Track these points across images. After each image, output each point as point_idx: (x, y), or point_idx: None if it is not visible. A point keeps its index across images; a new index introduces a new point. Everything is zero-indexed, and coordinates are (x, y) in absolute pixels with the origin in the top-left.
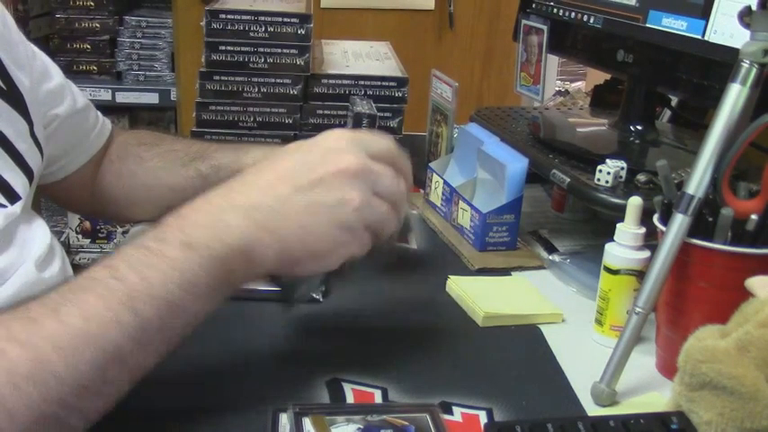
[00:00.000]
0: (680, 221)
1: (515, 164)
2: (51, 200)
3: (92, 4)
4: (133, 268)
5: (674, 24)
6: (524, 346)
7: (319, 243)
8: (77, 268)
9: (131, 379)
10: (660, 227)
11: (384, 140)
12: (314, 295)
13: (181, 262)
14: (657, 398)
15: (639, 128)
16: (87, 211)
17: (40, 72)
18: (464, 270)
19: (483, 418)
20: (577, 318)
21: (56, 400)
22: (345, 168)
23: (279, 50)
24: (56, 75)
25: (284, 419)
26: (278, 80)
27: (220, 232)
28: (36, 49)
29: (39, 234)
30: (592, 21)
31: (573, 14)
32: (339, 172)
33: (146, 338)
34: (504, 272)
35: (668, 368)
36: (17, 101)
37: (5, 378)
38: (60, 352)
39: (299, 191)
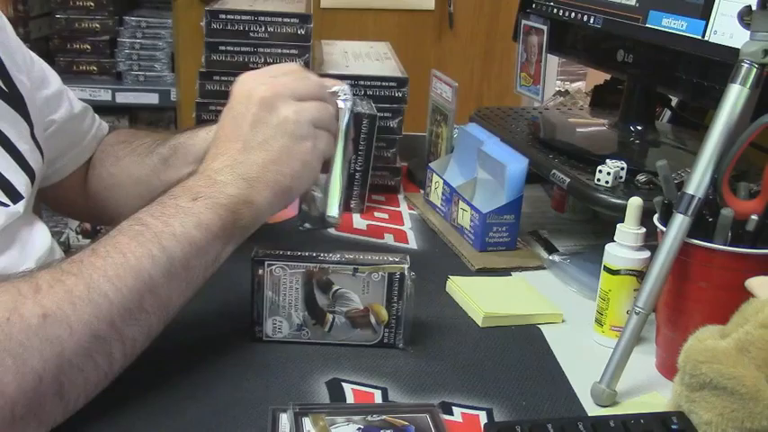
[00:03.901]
0: (680, 222)
1: (515, 164)
2: (50, 206)
3: (92, 4)
4: (154, 216)
5: (674, 24)
6: (524, 346)
7: (292, 163)
8: None
9: (161, 312)
10: (660, 227)
11: (282, 65)
12: (329, 216)
13: (194, 209)
14: (657, 398)
15: (639, 128)
16: (85, 217)
17: (38, 78)
18: (464, 270)
19: (483, 418)
20: (577, 318)
21: (106, 320)
22: (261, 98)
23: (279, 50)
24: (54, 81)
25: (284, 419)
26: None
27: (220, 187)
28: (34, 55)
29: (39, 236)
30: (592, 21)
31: (573, 14)
32: (260, 105)
33: (173, 273)
34: (504, 272)
35: (668, 368)
36: (18, 103)
37: (66, 298)
38: (107, 279)
39: (246, 140)
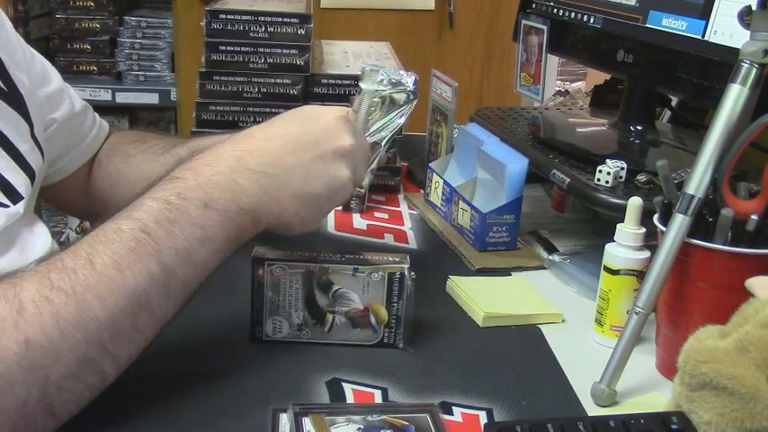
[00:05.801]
0: (680, 221)
1: (515, 164)
2: (50, 204)
3: (92, 4)
4: (159, 223)
5: (674, 24)
6: (524, 346)
7: (310, 211)
8: None
9: (156, 328)
10: (660, 227)
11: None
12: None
13: (201, 220)
14: (657, 398)
15: (639, 128)
16: (86, 215)
17: (39, 75)
18: (464, 270)
19: (483, 418)
20: (577, 318)
21: (96, 344)
22: (342, 147)
23: (279, 50)
24: (55, 79)
25: (284, 419)
26: (278, 80)
27: (235, 195)
28: (35, 52)
29: (40, 238)
30: (592, 21)
31: (573, 14)
32: (336, 150)
33: (170, 289)
34: (504, 272)
35: (668, 368)
36: (18, 102)
37: (53, 323)
38: (100, 300)
39: (302, 163)
